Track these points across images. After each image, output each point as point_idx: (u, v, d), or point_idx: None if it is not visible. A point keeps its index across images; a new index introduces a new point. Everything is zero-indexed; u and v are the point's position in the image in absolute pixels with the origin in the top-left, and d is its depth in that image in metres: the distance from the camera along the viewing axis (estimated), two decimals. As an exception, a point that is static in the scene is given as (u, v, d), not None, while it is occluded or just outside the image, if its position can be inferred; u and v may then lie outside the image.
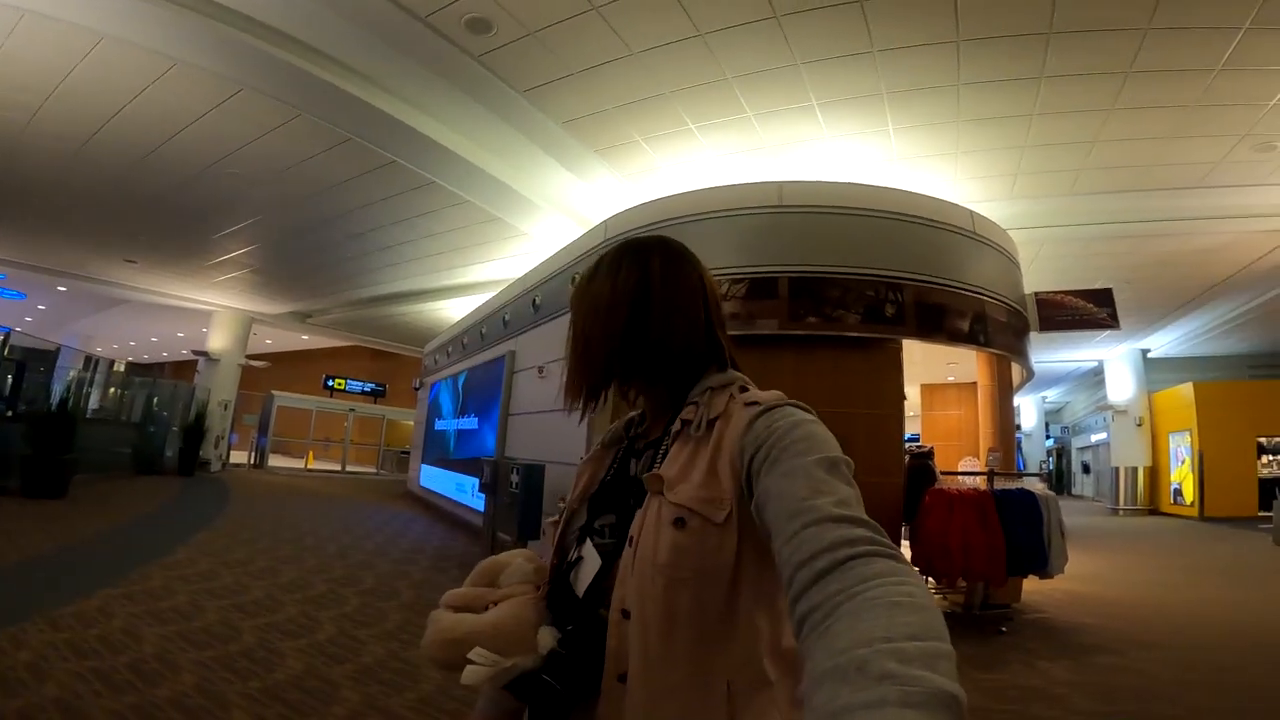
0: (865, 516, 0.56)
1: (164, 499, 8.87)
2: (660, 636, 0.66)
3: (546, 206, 7.36)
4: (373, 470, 19.46)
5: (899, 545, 4.68)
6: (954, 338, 5.13)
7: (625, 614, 0.68)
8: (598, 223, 6.56)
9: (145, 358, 27.62)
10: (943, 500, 4.60)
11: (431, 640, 0.74)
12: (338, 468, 18.45)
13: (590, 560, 0.76)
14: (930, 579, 4.79)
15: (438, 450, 10.67)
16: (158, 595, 4.00)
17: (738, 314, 4.98)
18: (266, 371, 18.18)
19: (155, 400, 13.19)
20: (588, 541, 0.78)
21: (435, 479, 10.46)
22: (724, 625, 0.67)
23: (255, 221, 9.11)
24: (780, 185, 5.32)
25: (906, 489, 4.92)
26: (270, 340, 19.83)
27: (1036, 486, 5.05)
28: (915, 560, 4.72)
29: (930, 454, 5.26)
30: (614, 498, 0.81)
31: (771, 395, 0.74)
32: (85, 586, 3.99)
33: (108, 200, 8.65)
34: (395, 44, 4.88)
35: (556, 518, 0.88)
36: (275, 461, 17.65)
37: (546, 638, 0.72)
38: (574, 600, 0.76)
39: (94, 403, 12.10)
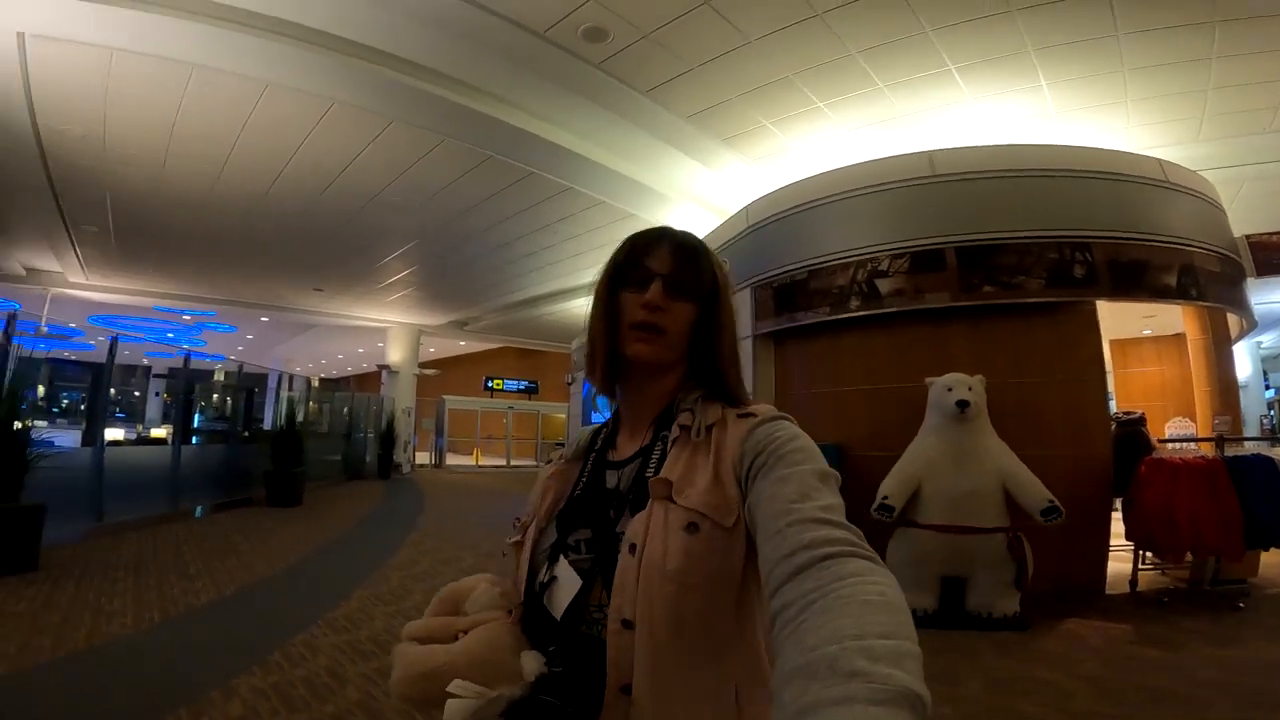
0: (847, 522, 0.56)
1: (374, 502, 10.16)
2: (670, 644, 0.64)
3: (678, 198, 7.42)
4: (533, 463, 20.86)
5: (1110, 521, 4.25)
6: (1159, 294, 4.58)
7: (626, 624, 0.65)
8: (736, 210, 6.53)
9: (334, 373, 31.53)
10: (1165, 470, 4.17)
11: (402, 676, 0.68)
12: (503, 462, 20.01)
13: (567, 579, 0.72)
14: (1151, 554, 4.38)
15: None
16: (399, 595, 4.60)
17: (902, 289, 4.79)
18: (435, 378, 20.01)
19: (354, 412, 14.94)
20: (561, 559, 0.74)
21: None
22: (733, 630, 0.68)
23: (414, 245, 10.04)
24: (930, 155, 5.02)
25: (1115, 460, 4.49)
26: (434, 349, 21.81)
27: (1276, 452, 4.41)
28: (1132, 535, 4.34)
29: (1141, 420, 4.76)
30: (588, 511, 0.77)
31: (766, 408, 0.75)
32: (342, 590, 4.65)
33: (293, 239, 9.86)
34: (521, 63, 5.08)
35: (518, 538, 0.83)
36: (450, 460, 19.48)
37: (531, 662, 0.67)
38: (551, 622, 0.71)
39: (300, 417, 13.99)
